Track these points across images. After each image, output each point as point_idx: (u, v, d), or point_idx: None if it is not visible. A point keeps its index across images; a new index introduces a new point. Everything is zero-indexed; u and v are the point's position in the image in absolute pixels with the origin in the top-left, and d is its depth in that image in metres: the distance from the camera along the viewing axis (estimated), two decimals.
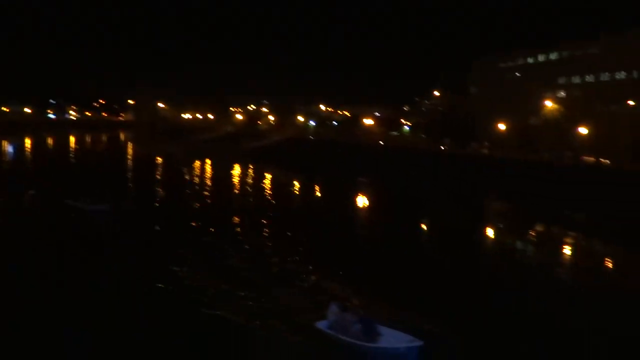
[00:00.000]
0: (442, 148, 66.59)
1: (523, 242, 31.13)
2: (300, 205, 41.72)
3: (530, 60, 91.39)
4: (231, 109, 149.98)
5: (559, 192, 43.99)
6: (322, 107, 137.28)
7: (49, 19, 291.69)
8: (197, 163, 68.33)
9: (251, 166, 68.46)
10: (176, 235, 26.30)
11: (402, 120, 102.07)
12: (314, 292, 18.24)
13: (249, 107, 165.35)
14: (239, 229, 29.06)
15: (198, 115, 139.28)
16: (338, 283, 19.24)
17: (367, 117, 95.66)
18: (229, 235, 27.24)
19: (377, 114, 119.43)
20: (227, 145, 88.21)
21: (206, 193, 44.47)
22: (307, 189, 51.19)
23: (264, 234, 28.02)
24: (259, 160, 76.55)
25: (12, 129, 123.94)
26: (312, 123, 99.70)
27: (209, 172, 62.17)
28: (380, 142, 76.67)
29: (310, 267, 21.15)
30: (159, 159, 71.21)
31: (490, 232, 34.39)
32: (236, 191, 46.49)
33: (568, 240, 31.50)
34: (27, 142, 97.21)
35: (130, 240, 25.24)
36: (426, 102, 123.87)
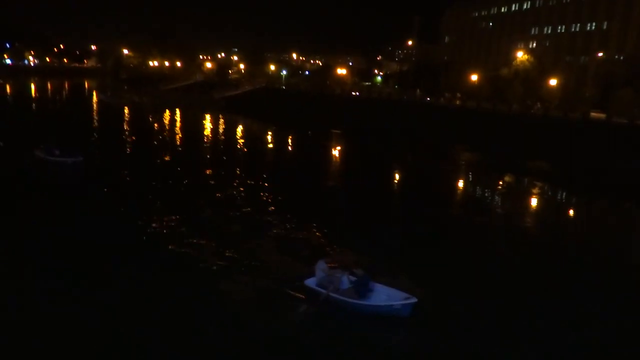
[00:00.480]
0: (415, 99, 66.28)
1: (489, 192, 31.81)
2: (273, 156, 41.29)
3: (503, 9, 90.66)
4: (200, 57, 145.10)
5: (527, 143, 44.82)
6: (295, 56, 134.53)
7: None
8: (166, 113, 66.40)
9: (222, 116, 66.98)
10: (149, 188, 25.66)
11: (376, 71, 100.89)
12: (295, 245, 17.63)
13: (218, 55, 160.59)
14: (211, 180, 28.57)
15: (166, 63, 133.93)
16: (319, 236, 18.93)
17: (340, 66, 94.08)
18: (202, 186, 26.81)
19: (350, 63, 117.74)
20: (196, 95, 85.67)
21: (177, 143, 43.47)
22: (279, 139, 50.65)
23: (238, 184, 27.66)
24: (230, 110, 74.86)
25: None
26: (284, 73, 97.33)
27: (178, 122, 60.50)
28: (354, 93, 75.70)
29: (289, 218, 20.84)
30: (126, 109, 68.79)
31: (459, 183, 34.93)
32: (207, 141, 45.51)
33: (532, 190, 32.34)
34: None
35: (105, 193, 24.44)
36: (399, 52, 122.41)
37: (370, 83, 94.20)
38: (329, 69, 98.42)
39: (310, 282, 13.97)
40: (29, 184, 25.52)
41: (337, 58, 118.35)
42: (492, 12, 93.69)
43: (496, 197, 30.57)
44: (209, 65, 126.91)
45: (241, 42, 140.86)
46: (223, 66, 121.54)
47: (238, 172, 31.46)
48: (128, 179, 27.98)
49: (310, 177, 31.48)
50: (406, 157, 43.67)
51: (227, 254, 16.65)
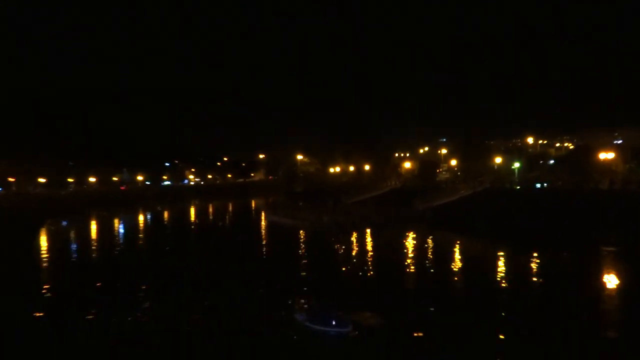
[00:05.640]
0: None
1: None
2: (529, 299, 38.03)
3: None
4: (396, 155, 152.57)
5: None
6: (531, 140, 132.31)
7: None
8: (353, 236, 69.34)
9: (430, 235, 67.38)
10: None
11: None
12: None
13: (420, 150, 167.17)
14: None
15: (350, 168, 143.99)
16: None
17: (603, 148, 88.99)
18: None
19: (618, 141, 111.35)
20: (392, 207, 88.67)
21: (391, 285, 43.23)
22: (522, 271, 47.25)
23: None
24: (440, 224, 75.35)
25: (124, 202, 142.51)
26: (516, 165, 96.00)
27: (370, 249, 62.12)
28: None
29: None
30: (302, 232, 73.81)
31: None
32: (429, 278, 44.84)
33: None
34: (140, 219, 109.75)
35: None
36: None
37: None
38: (586, 152, 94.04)
39: None
40: None
41: (597, 136, 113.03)
42: None
43: None
44: (407, 165, 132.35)
45: (451, 130, 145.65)
46: (428, 164, 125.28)
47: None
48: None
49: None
50: None
51: None
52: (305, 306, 31.87)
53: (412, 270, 47.53)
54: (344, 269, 48.92)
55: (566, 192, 76.10)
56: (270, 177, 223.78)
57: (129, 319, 32.68)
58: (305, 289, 38.64)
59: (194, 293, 38.99)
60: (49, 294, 40.48)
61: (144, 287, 41.01)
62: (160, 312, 34.64)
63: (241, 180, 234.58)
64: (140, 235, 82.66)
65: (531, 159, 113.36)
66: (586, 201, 67.94)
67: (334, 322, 28.71)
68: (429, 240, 64.83)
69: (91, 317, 33.42)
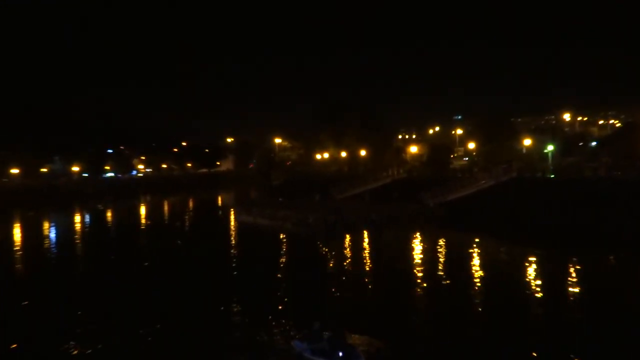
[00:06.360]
0: None
1: None
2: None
3: None
4: (399, 137, 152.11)
5: None
6: (568, 116, 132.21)
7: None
8: (347, 238, 69.20)
9: (442, 236, 67.49)
10: None
11: None
12: None
13: (430, 131, 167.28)
14: None
15: (342, 154, 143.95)
16: None
17: None
18: None
19: None
20: (394, 203, 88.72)
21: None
22: (561, 277, 47.42)
23: None
24: (454, 222, 75.98)
25: (56, 199, 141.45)
26: (550, 148, 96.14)
27: (374, 256, 61.60)
28: None
29: None
30: (282, 236, 73.59)
31: None
32: (444, 291, 44.62)
33: None
34: (77, 221, 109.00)
35: None
36: None
37: None
38: (636, 131, 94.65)
39: None
40: None
41: None
42: None
43: None
44: (414, 149, 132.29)
45: (469, 105, 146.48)
46: (439, 149, 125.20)
47: None
48: None
49: None
50: None
51: None
52: (305, 332, 31.19)
53: (423, 283, 47.39)
54: (336, 282, 48.81)
55: (609, 182, 76.21)
56: (251, 165, 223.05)
57: (63, 348, 32.30)
58: (283, 309, 38.59)
59: (147, 316, 38.65)
60: None
61: (80, 309, 40.50)
62: (103, 340, 34.26)
63: (205, 170, 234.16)
64: (77, 242, 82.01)
65: (568, 140, 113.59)
66: (635, 193, 68.21)
67: (341, 354, 27.84)
68: (442, 244, 64.74)
69: (15, 346, 33.03)
